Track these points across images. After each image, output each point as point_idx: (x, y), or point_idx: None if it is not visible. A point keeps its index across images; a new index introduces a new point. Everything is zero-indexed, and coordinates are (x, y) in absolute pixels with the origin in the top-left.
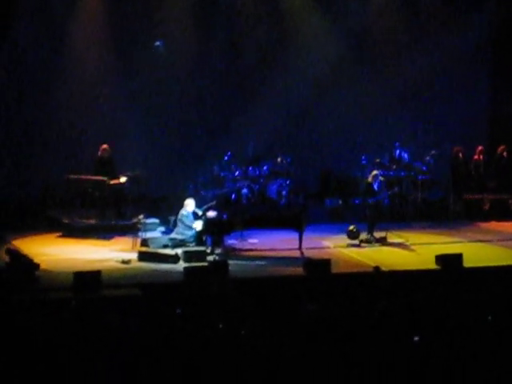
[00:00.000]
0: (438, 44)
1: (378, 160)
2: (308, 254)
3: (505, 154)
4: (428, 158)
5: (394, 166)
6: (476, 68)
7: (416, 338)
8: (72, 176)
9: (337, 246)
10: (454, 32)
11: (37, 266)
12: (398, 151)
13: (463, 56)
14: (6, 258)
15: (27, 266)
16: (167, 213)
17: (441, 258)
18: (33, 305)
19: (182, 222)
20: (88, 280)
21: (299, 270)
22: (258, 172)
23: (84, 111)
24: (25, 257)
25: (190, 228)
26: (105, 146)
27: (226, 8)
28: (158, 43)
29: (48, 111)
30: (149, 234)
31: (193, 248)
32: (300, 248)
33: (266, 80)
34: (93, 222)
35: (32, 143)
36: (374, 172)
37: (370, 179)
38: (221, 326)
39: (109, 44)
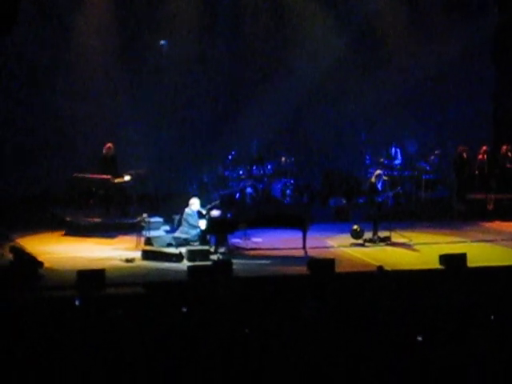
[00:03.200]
0: (442, 44)
1: (381, 160)
2: (312, 253)
3: (509, 153)
4: (432, 157)
5: (398, 166)
6: (480, 67)
7: (419, 338)
8: (76, 174)
9: (340, 246)
10: (458, 32)
11: (41, 264)
12: (393, 150)
13: (467, 55)
14: (10, 256)
15: (31, 264)
16: (171, 211)
17: (445, 258)
18: (36, 303)
19: (187, 221)
20: (92, 278)
21: (303, 269)
22: (262, 171)
23: (89, 109)
24: (29, 255)
25: (195, 227)
26: (109, 144)
27: (228, 9)
28: (162, 42)
29: (52, 109)
30: (153, 233)
31: (197, 247)
32: (304, 247)
33: (270, 79)
34: (97, 220)
35: (36, 141)
36: (378, 171)
37: (373, 179)
38: (225, 324)
39: (114, 43)
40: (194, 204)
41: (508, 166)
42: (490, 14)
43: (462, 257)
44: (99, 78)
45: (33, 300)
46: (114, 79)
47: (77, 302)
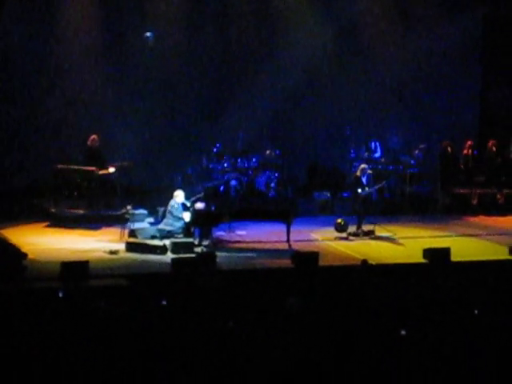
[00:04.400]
0: (428, 37)
1: (367, 153)
2: (296, 246)
3: (494, 148)
4: (417, 151)
5: (378, 159)
6: (466, 62)
7: (403, 332)
8: (60, 166)
9: (325, 239)
10: (445, 26)
11: (24, 255)
12: (373, 143)
13: (453, 50)
14: None
15: (15, 255)
16: (155, 204)
17: (428, 252)
18: (20, 294)
19: (171, 213)
20: (75, 270)
21: (287, 262)
22: (246, 164)
23: (73, 101)
24: (13, 246)
25: (179, 219)
26: (94, 136)
27: (216, 2)
28: (148, 34)
29: (36, 101)
30: (137, 225)
31: (181, 239)
32: (288, 240)
33: (255, 72)
34: (81, 212)
35: (20, 133)
36: (363, 165)
37: (358, 173)
38: (207, 316)
39: (99, 34)
40: (179, 196)
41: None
42: (477, 10)
43: (445, 251)
44: (85, 71)
45: (16, 291)
46: (100, 72)
47: (60, 294)
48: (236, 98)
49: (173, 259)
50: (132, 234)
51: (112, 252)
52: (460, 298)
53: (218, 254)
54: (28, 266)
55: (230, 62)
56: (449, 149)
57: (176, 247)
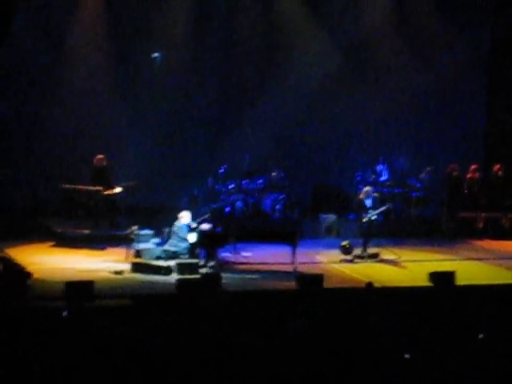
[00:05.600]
0: (435, 59)
1: (373, 176)
2: (301, 268)
3: (500, 172)
4: (423, 174)
5: (385, 183)
6: (472, 85)
7: (407, 356)
8: (66, 185)
9: (330, 262)
10: (452, 49)
11: (29, 274)
12: (380, 166)
13: (459, 72)
14: None
15: (19, 274)
16: (161, 224)
17: (433, 276)
18: (24, 313)
19: (176, 234)
20: (80, 290)
21: (292, 285)
22: (252, 186)
23: (79, 120)
24: (17, 265)
25: (184, 240)
26: (100, 156)
27: (222, 20)
28: (156, 55)
29: (42, 119)
30: (142, 245)
31: (186, 260)
32: (293, 262)
33: (261, 93)
34: (86, 231)
35: (27, 152)
36: (367, 188)
37: (361, 195)
38: (212, 338)
39: (106, 53)
40: (184, 217)
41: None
42: (483, 32)
43: (450, 274)
44: (92, 89)
45: (21, 310)
46: (108, 91)
47: (65, 313)
48: (242, 119)
49: (177, 280)
50: (137, 254)
51: (117, 272)
52: (464, 321)
53: (224, 275)
54: (33, 286)
55: (237, 82)
56: (454, 173)
57: (181, 268)
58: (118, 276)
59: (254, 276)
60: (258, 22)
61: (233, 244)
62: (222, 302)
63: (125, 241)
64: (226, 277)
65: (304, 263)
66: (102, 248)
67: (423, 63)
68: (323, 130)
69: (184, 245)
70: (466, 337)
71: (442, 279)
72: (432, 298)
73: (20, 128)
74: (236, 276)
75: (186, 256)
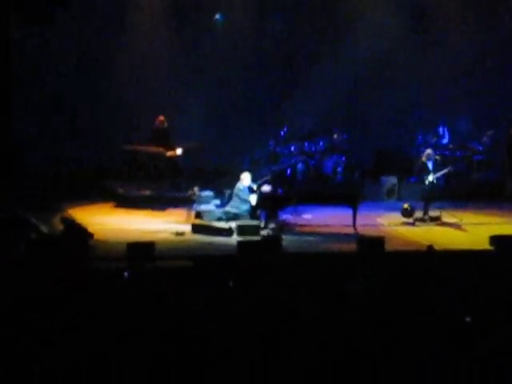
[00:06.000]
0: (498, 22)
1: (434, 139)
2: (362, 231)
3: None
4: (485, 138)
5: (446, 145)
6: None
7: (468, 319)
8: (128, 147)
9: (391, 224)
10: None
11: (91, 235)
12: (441, 129)
13: None
14: (61, 227)
15: (81, 235)
16: (222, 186)
17: (495, 239)
18: (86, 274)
19: (237, 196)
20: (141, 251)
21: (352, 247)
22: (313, 148)
23: (140, 82)
24: (79, 226)
25: (245, 202)
26: (161, 117)
27: None
28: (217, 16)
29: (104, 82)
30: (203, 207)
31: (247, 222)
32: (354, 225)
33: (323, 55)
34: (148, 193)
35: (89, 113)
36: (428, 151)
37: (423, 158)
38: (272, 300)
39: (168, 15)
40: (245, 179)
41: None
42: None
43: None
44: (153, 51)
45: (83, 271)
46: (168, 53)
47: (126, 274)
48: (303, 81)
49: (238, 242)
50: (198, 215)
51: (178, 233)
52: None
53: (284, 237)
54: (94, 246)
55: (301, 46)
56: None
57: (242, 230)
58: (180, 237)
59: (314, 238)
60: None
61: (293, 206)
62: (283, 263)
63: (186, 202)
64: (286, 239)
65: (365, 226)
66: (163, 209)
67: (486, 25)
68: (385, 93)
69: (245, 207)
70: None
71: (504, 243)
72: (493, 261)
73: (80, 91)
74: (296, 238)
75: (247, 218)
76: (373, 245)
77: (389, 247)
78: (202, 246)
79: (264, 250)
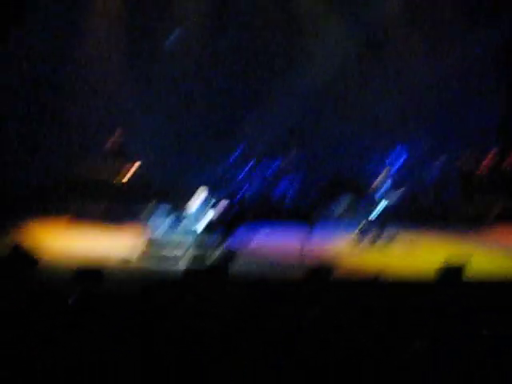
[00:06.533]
0: (455, 48)
1: (388, 161)
2: (313, 254)
3: None
4: (438, 162)
5: (401, 169)
6: (491, 77)
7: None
8: (75, 178)
9: (343, 247)
10: (469, 39)
11: (39, 257)
12: (395, 152)
13: (480, 63)
14: (10, 246)
15: (29, 257)
16: (175, 205)
17: (443, 270)
18: (33, 297)
19: (191, 216)
20: (90, 276)
21: (302, 274)
22: (269, 167)
23: (95, 94)
24: (26, 250)
25: (197, 222)
26: (117, 133)
27: (240, 5)
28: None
29: (59, 96)
30: (156, 225)
31: (197, 246)
32: (304, 248)
33: (279, 76)
34: (103, 208)
35: (41, 127)
36: (383, 174)
37: (378, 180)
38: (219, 329)
39: (123, 28)
40: (200, 195)
41: None
42: (502, 22)
43: (459, 269)
44: (109, 68)
45: (29, 293)
46: (124, 70)
47: (72, 300)
48: (262, 99)
49: (186, 269)
50: (149, 241)
51: (125, 261)
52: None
53: (233, 262)
54: (43, 269)
55: (256, 66)
56: (469, 161)
57: (192, 255)
58: (128, 264)
59: (265, 264)
60: (277, 4)
61: (249, 224)
62: (231, 291)
63: (139, 218)
64: (236, 264)
65: (317, 248)
66: (118, 224)
67: (443, 51)
68: (341, 115)
69: (196, 227)
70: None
71: (451, 273)
72: (441, 291)
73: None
74: (246, 263)
75: (198, 240)
76: (321, 273)
77: (338, 274)
78: (149, 274)
79: (212, 276)
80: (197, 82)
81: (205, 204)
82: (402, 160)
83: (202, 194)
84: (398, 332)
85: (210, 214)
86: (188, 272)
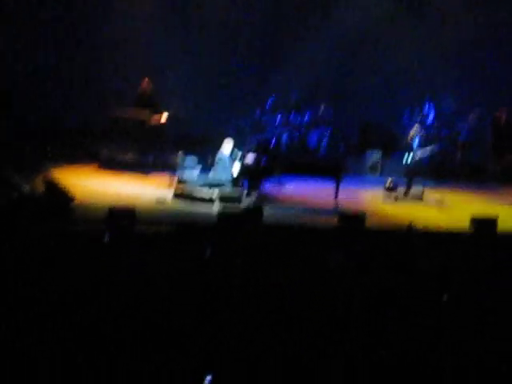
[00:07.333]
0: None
1: (420, 116)
2: (343, 205)
3: None
4: (471, 117)
5: (432, 124)
6: None
7: (445, 297)
8: (112, 112)
9: (373, 200)
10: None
11: (72, 197)
12: (427, 107)
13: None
14: (43, 188)
15: (63, 197)
16: (206, 152)
17: (475, 221)
18: (66, 236)
19: (220, 164)
20: (122, 215)
21: (333, 221)
22: (299, 119)
23: (127, 45)
24: (61, 188)
25: (227, 170)
26: (146, 79)
27: None
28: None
29: (91, 44)
30: (186, 173)
31: (228, 191)
32: (336, 198)
33: (311, 26)
34: (131, 156)
35: (75, 75)
36: (415, 128)
37: (411, 134)
38: (250, 272)
39: None
40: (228, 146)
41: None
42: None
43: (492, 221)
44: (140, 14)
45: (62, 233)
46: (158, 15)
47: (106, 238)
48: (292, 53)
49: (219, 211)
50: (180, 182)
51: (159, 200)
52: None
53: (265, 208)
54: (76, 209)
55: (290, 14)
56: (503, 116)
57: (223, 198)
58: (161, 203)
59: (295, 210)
60: None
61: (277, 176)
62: (263, 235)
63: (169, 167)
64: (267, 210)
65: (347, 199)
66: (147, 173)
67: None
68: (373, 67)
69: (227, 174)
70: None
71: (484, 225)
72: (472, 243)
73: (68, 53)
74: (278, 209)
75: (229, 186)
76: (354, 220)
77: (370, 223)
78: (182, 214)
79: (244, 220)
80: (228, 34)
81: (232, 155)
82: (432, 116)
83: (228, 145)
84: (426, 284)
85: (238, 165)
86: (222, 214)
